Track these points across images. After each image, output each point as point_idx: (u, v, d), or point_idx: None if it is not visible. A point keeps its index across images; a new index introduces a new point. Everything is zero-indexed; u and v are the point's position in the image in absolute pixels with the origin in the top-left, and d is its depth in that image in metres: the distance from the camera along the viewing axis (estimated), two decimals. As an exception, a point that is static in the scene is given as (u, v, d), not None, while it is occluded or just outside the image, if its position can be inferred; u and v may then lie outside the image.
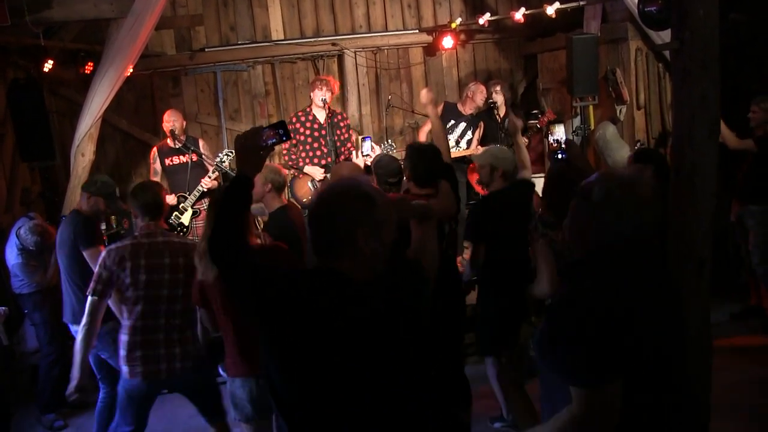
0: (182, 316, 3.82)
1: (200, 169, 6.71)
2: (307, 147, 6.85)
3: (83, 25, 6.87)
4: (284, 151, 6.93)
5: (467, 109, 7.53)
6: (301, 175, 6.86)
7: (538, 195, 4.38)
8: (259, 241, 4.10)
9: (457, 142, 7.46)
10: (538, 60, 8.56)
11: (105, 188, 4.68)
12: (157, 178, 6.68)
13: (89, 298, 3.75)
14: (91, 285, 3.75)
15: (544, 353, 2.09)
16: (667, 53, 6.41)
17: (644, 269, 2.12)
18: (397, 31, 8.61)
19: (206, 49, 8.06)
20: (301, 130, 6.83)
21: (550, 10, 7.09)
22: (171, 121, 6.69)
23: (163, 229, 3.97)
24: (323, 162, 6.83)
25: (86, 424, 5.17)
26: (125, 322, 3.81)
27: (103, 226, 6.66)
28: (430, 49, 8.50)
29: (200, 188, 6.54)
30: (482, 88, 7.53)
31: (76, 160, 6.34)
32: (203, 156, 6.77)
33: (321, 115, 6.85)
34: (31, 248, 5.29)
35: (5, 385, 5.18)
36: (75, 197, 6.03)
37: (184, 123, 6.93)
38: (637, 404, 1.99)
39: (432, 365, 2.08)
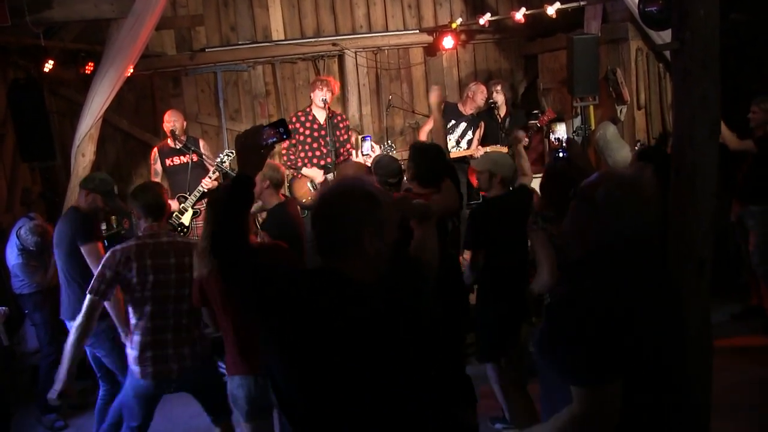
0: (189, 316, 3.83)
1: (201, 170, 6.71)
2: (306, 147, 6.84)
3: (84, 26, 6.87)
4: (284, 151, 6.93)
5: (468, 109, 7.53)
6: (300, 176, 6.86)
7: (538, 194, 4.38)
8: (258, 239, 4.10)
9: (458, 142, 7.46)
10: (539, 60, 8.56)
11: (103, 185, 4.67)
12: (157, 179, 6.68)
13: (89, 297, 3.74)
14: (93, 284, 3.74)
15: (544, 353, 2.09)
16: (667, 53, 6.40)
17: (644, 269, 2.12)
18: (397, 31, 8.61)
19: (207, 50, 8.06)
20: (301, 130, 6.83)
21: (551, 11, 7.09)
22: (171, 121, 6.69)
23: (166, 230, 3.98)
24: (322, 162, 6.82)
25: (86, 425, 5.17)
26: (135, 323, 3.80)
27: (104, 226, 6.66)
28: (431, 50, 8.50)
29: (201, 189, 6.53)
30: (483, 88, 7.54)
31: (77, 160, 6.33)
32: (204, 156, 6.77)
33: (321, 116, 6.85)
34: (31, 248, 5.28)
35: (5, 385, 5.17)
36: (75, 197, 6.03)
37: (185, 123, 6.93)
38: (637, 404, 1.99)
39: (432, 365, 2.08)
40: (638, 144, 6.63)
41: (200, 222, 6.60)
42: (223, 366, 3.75)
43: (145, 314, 3.76)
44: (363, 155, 6.52)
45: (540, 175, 6.66)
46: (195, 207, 6.61)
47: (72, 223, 4.57)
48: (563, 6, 7.10)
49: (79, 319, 3.74)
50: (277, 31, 8.29)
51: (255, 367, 3.45)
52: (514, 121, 7.55)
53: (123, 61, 6.07)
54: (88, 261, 4.45)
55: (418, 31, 8.62)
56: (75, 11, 5.91)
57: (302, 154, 6.85)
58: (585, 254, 2.16)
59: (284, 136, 2.32)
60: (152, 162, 6.86)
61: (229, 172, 6.50)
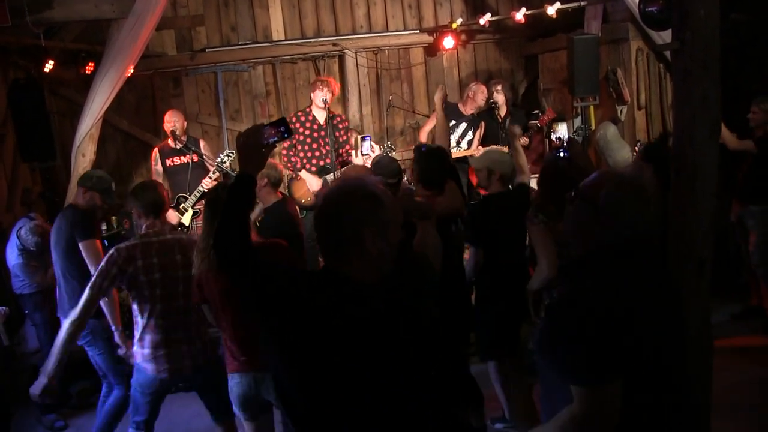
0: (198, 311, 3.83)
1: (201, 170, 6.72)
2: (306, 147, 6.84)
3: (84, 26, 6.88)
4: (284, 152, 6.92)
5: (468, 110, 7.53)
6: (298, 177, 6.85)
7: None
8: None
9: (458, 143, 7.46)
10: (539, 60, 8.56)
11: (101, 183, 4.64)
12: (159, 180, 6.68)
13: (88, 292, 3.69)
14: (94, 279, 3.71)
15: (544, 353, 2.09)
16: (668, 53, 6.40)
17: (644, 269, 2.11)
18: (397, 31, 8.62)
19: (207, 50, 8.07)
20: (301, 130, 6.82)
21: (551, 11, 7.09)
22: (172, 121, 6.70)
23: (169, 227, 3.98)
24: (321, 163, 6.82)
25: (86, 425, 5.17)
26: (144, 321, 3.80)
27: (104, 227, 6.69)
28: (431, 50, 8.50)
29: (201, 189, 6.54)
30: (483, 88, 7.54)
31: (77, 160, 6.34)
32: (204, 156, 6.78)
33: (321, 116, 6.85)
34: (31, 249, 5.28)
35: (5, 385, 5.17)
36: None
37: (185, 123, 6.94)
38: (637, 404, 1.99)
39: (432, 365, 2.08)
40: (638, 144, 6.63)
41: (200, 222, 6.59)
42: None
43: (156, 312, 3.76)
44: (363, 155, 6.52)
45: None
46: (195, 207, 6.61)
47: (70, 220, 4.54)
48: (563, 6, 7.10)
49: (75, 313, 3.68)
50: (278, 32, 8.29)
51: (254, 364, 3.45)
52: (514, 122, 7.55)
53: (123, 62, 6.07)
54: (85, 258, 4.44)
55: (418, 31, 8.62)
56: (75, 11, 5.91)
57: (301, 155, 6.84)
58: (585, 254, 2.16)
59: (285, 135, 2.32)
60: (153, 163, 6.86)
61: (229, 172, 6.51)
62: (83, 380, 5.62)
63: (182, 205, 6.60)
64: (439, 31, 8.33)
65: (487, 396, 4.65)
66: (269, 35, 8.27)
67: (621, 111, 7.28)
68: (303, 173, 6.77)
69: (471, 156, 6.91)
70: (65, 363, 4.88)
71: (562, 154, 3.87)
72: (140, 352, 3.83)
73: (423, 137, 7.43)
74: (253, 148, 2.27)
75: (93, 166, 6.42)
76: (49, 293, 5.31)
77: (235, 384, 3.54)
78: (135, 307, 3.82)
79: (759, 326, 5.90)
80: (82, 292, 3.80)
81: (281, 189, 4.89)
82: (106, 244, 6.46)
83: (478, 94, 7.46)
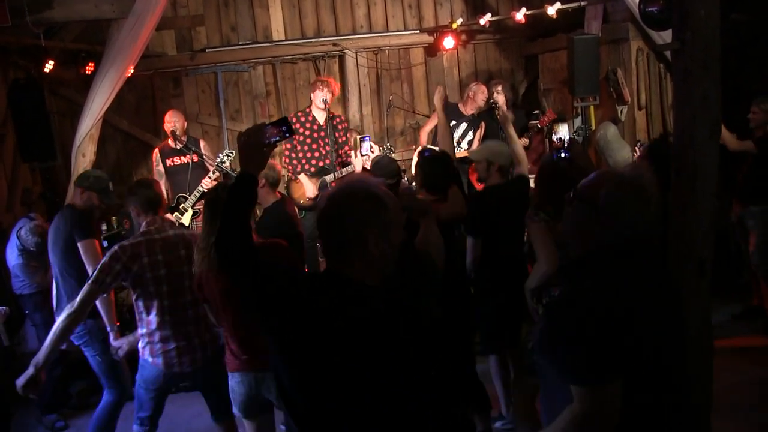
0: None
1: (201, 170, 6.71)
2: (306, 148, 6.84)
3: (84, 26, 6.88)
4: (286, 152, 6.92)
5: (468, 110, 7.52)
6: (297, 178, 6.85)
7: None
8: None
9: (458, 143, 7.45)
10: (539, 60, 8.56)
11: (98, 183, 4.62)
12: (161, 181, 6.67)
13: (89, 286, 3.66)
14: (96, 274, 3.68)
15: (544, 352, 2.09)
16: (668, 53, 6.40)
17: (644, 269, 2.11)
18: (398, 31, 8.61)
19: (207, 50, 8.06)
20: (301, 130, 6.82)
21: (551, 11, 7.09)
22: (172, 121, 6.70)
23: (170, 222, 3.99)
24: (320, 164, 6.82)
25: (87, 425, 5.14)
26: (152, 318, 3.80)
27: (104, 227, 6.68)
28: (431, 50, 8.50)
29: (200, 189, 6.53)
30: (483, 88, 7.53)
31: (77, 160, 6.34)
32: (204, 156, 6.78)
33: (321, 117, 6.84)
34: (31, 249, 5.28)
35: (5, 385, 5.16)
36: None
37: (185, 123, 6.94)
38: (637, 404, 1.99)
39: (432, 365, 2.08)
40: (638, 144, 6.63)
41: (200, 222, 6.59)
42: None
43: (164, 308, 3.78)
44: (362, 156, 6.51)
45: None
46: (195, 207, 6.61)
47: (69, 219, 4.52)
48: (564, 6, 7.10)
49: (72, 306, 3.64)
50: (278, 32, 8.29)
51: (255, 363, 3.46)
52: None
53: (123, 62, 6.07)
54: (84, 258, 4.42)
55: (418, 31, 8.62)
56: (75, 11, 5.91)
57: (300, 155, 6.84)
58: (584, 254, 2.16)
59: (287, 135, 2.32)
60: (154, 164, 6.85)
61: (229, 172, 6.51)
62: (83, 380, 5.63)
63: (182, 205, 6.60)
64: (439, 31, 8.33)
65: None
66: (269, 35, 8.27)
67: (621, 111, 7.28)
68: (302, 177, 6.76)
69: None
70: (65, 361, 4.89)
71: (562, 155, 3.87)
72: (148, 348, 3.83)
73: (423, 137, 7.42)
74: (254, 148, 2.27)
75: (93, 166, 6.41)
76: (49, 294, 5.31)
77: (236, 383, 3.54)
78: (140, 304, 3.81)
79: (759, 326, 5.90)
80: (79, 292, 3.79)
81: (280, 189, 4.89)
82: (106, 244, 6.47)
83: (479, 95, 7.45)
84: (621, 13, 7.15)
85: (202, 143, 7.00)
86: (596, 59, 6.84)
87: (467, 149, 7.43)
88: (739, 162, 5.92)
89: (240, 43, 8.17)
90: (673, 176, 3.01)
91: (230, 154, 6.57)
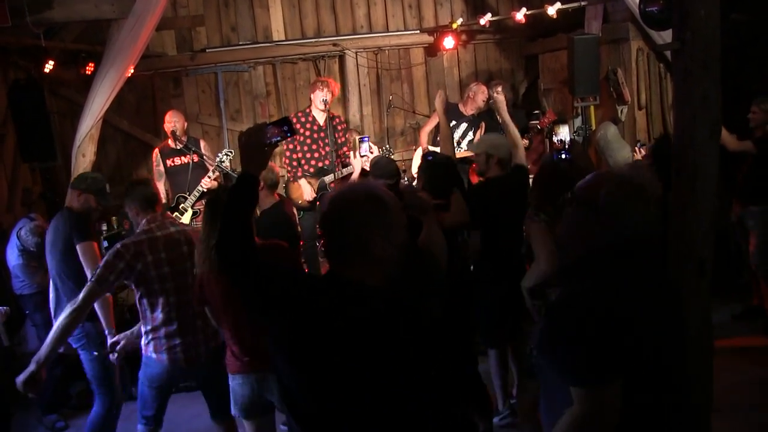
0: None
1: (201, 170, 6.71)
2: (306, 148, 6.83)
3: (84, 26, 6.88)
4: (287, 153, 6.91)
5: (468, 110, 7.52)
6: (296, 181, 6.84)
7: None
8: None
9: (458, 143, 7.45)
10: (540, 60, 8.56)
11: (95, 184, 4.58)
12: (161, 181, 6.69)
13: (92, 284, 3.66)
14: (100, 272, 3.66)
15: (544, 353, 2.09)
16: (668, 53, 6.40)
17: (644, 269, 2.11)
18: (398, 31, 8.62)
19: (207, 50, 8.07)
20: (301, 131, 6.81)
21: (551, 11, 7.09)
22: (172, 121, 6.70)
23: (169, 219, 4.00)
24: (320, 164, 6.81)
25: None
26: (158, 315, 3.80)
27: (104, 227, 6.68)
28: (431, 50, 8.51)
29: (200, 188, 6.54)
30: (483, 88, 7.52)
31: (77, 160, 6.34)
32: (204, 157, 6.78)
33: (320, 117, 6.84)
34: (31, 249, 5.28)
35: (5, 385, 5.16)
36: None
37: (185, 124, 6.94)
38: (637, 404, 1.99)
39: (432, 365, 2.08)
40: (638, 144, 6.63)
41: (200, 222, 6.58)
42: None
43: (170, 304, 3.79)
44: (361, 156, 6.50)
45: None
46: (195, 207, 6.61)
47: (68, 222, 4.48)
48: (564, 6, 7.10)
49: (75, 303, 3.63)
50: (278, 32, 8.29)
51: (256, 365, 3.45)
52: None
53: (123, 62, 6.07)
54: (82, 260, 4.38)
55: (418, 31, 8.62)
56: (75, 12, 5.91)
57: (300, 155, 6.83)
58: (583, 255, 2.16)
59: (288, 134, 2.31)
60: (154, 164, 6.85)
61: (229, 172, 6.51)
62: (83, 381, 5.61)
63: (182, 205, 6.60)
64: (439, 31, 8.33)
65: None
66: (269, 35, 8.28)
67: (621, 111, 7.28)
68: (301, 182, 6.75)
69: (472, 157, 6.92)
70: (65, 362, 4.88)
71: (563, 156, 3.87)
72: (153, 344, 3.83)
73: (423, 137, 7.42)
74: (255, 148, 2.27)
75: (93, 166, 6.42)
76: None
77: (237, 385, 3.54)
78: (144, 302, 3.82)
79: (759, 326, 5.90)
80: (79, 294, 3.78)
81: (278, 189, 4.90)
82: (106, 244, 6.47)
83: (479, 95, 7.44)
84: (621, 13, 7.15)
85: (202, 143, 7.00)
86: (596, 59, 6.85)
87: (467, 149, 7.44)
88: (739, 162, 5.92)
89: (240, 43, 8.17)
90: (673, 176, 3.01)
91: (229, 154, 6.57)
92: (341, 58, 8.44)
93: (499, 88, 7.61)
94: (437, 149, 6.33)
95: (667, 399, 2.07)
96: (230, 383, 3.59)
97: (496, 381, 4.63)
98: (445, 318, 3.55)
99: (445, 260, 3.57)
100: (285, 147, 6.82)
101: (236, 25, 8.19)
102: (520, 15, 7.42)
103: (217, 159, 6.53)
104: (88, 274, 4.22)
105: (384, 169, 4.41)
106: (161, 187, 6.57)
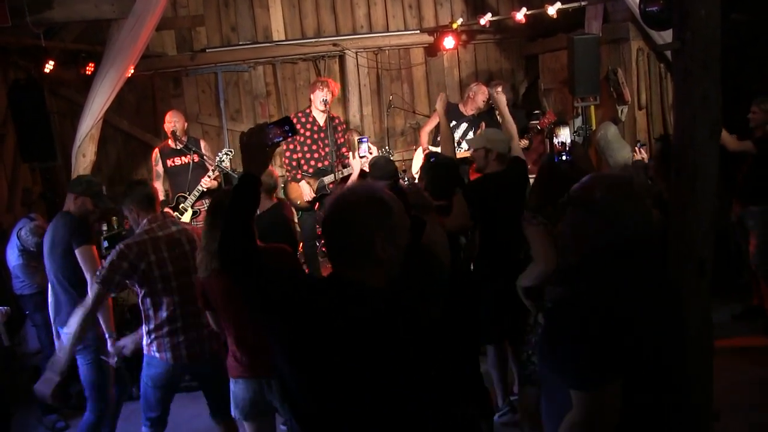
0: None
1: (201, 170, 6.72)
2: (305, 149, 6.83)
3: (84, 26, 6.88)
4: (287, 153, 6.90)
5: (468, 110, 7.51)
6: (295, 181, 6.85)
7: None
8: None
9: (459, 143, 7.45)
10: (540, 60, 8.56)
11: (91, 187, 4.54)
12: (159, 181, 6.70)
13: (99, 286, 3.70)
14: (105, 273, 3.69)
15: (545, 354, 2.09)
16: (668, 53, 6.40)
17: (644, 269, 2.11)
18: (398, 31, 8.63)
19: (207, 50, 8.07)
20: (301, 131, 6.80)
21: (552, 11, 7.10)
22: (172, 121, 6.70)
23: (170, 218, 4.00)
24: (320, 165, 6.81)
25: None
26: (162, 313, 3.81)
27: (104, 227, 6.69)
28: (432, 50, 8.51)
29: (200, 188, 6.54)
30: (484, 89, 7.51)
31: (78, 160, 6.34)
32: (204, 157, 6.78)
33: (320, 118, 6.83)
34: (31, 249, 5.27)
35: (5, 385, 5.17)
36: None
37: (186, 124, 6.94)
38: (637, 404, 1.99)
39: (432, 365, 2.08)
40: (639, 144, 6.64)
41: (200, 222, 6.59)
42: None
43: (174, 303, 3.81)
44: (360, 157, 6.50)
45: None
46: (194, 207, 6.61)
47: (67, 226, 4.43)
48: (564, 6, 7.10)
49: (85, 306, 3.69)
50: (278, 32, 8.30)
51: (258, 371, 3.45)
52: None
53: (123, 62, 6.07)
54: (81, 264, 4.35)
55: (418, 31, 8.62)
56: (75, 12, 5.91)
57: (300, 155, 6.83)
58: (582, 257, 2.16)
59: (289, 134, 2.32)
60: (153, 163, 6.86)
61: (229, 172, 6.51)
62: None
63: (182, 204, 6.60)
64: (439, 31, 8.34)
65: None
66: (269, 35, 8.28)
67: (621, 111, 7.28)
68: (302, 183, 6.75)
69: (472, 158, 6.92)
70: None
71: (564, 158, 3.89)
72: (156, 343, 3.84)
73: (423, 137, 7.42)
74: (257, 148, 2.27)
75: (93, 166, 6.43)
76: (50, 294, 5.30)
77: (239, 389, 3.54)
78: (148, 301, 3.82)
79: (759, 326, 5.90)
80: (78, 298, 3.78)
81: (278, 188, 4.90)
82: (106, 244, 6.48)
83: (479, 95, 7.43)
84: (621, 12, 7.15)
85: (202, 143, 7.00)
86: (596, 59, 6.84)
87: (468, 149, 7.44)
88: (739, 162, 5.92)
89: (240, 43, 8.18)
90: (673, 176, 3.01)
91: (229, 153, 6.57)
92: (341, 58, 8.44)
93: (500, 89, 7.58)
94: (437, 149, 6.33)
95: (667, 399, 2.07)
96: (231, 387, 3.59)
97: (495, 377, 4.63)
98: (446, 318, 3.54)
99: (448, 258, 3.57)
100: (285, 147, 6.81)
101: (236, 25, 8.19)
102: (520, 15, 7.43)
103: (217, 159, 6.53)
104: (88, 278, 4.23)
105: (383, 169, 4.42)
106: (159, 186, 6.58)
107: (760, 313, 5.99)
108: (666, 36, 5.85)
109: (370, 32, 8.56)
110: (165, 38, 7.96)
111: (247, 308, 2.34)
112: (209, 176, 6.56)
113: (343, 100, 8.43)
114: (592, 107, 7.52)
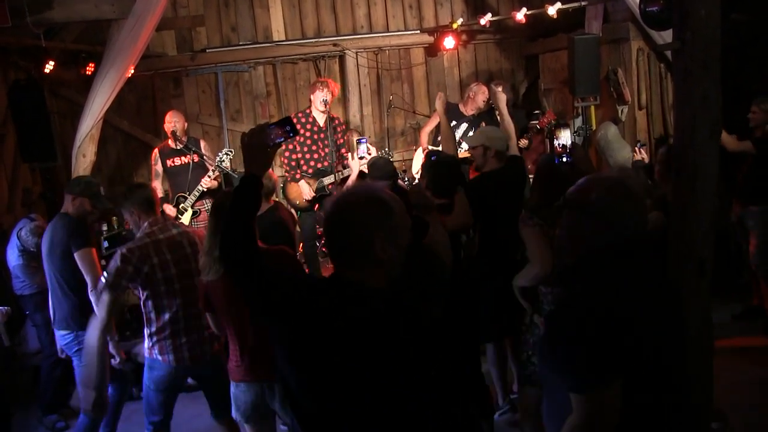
0: None
1: (201, 170, 6.71)
2: (305, 149, 6.82)
3: (84, 26, 6.88)
4: (287, 153, 6.89)
5: (468, 110, 7.51)
6: (295, 181, 6.84)
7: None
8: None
9: (459, 143, 7.45)
10: (540, 60, 8.56)
11: (89, 188, 4.53)
12: (158, 180, 6.70)
13: (107, 293, 3.71)
14: (111, 279, 3.70)
15: (545, 355, 2.09)
16: (668, 53, 6.40)
17: (644, 269, 2.12)
18: (398, 31, 8.63)
19: (207, 50, 8.07)
20: (301, 131, 6.80)
21: (552, 11, 7.10)
22: (172, 122, 6.70)
23: (171, 221, 4.01)
24: (319, 165, 6.81)
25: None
26: (165, 315, 3.82)
27: (104, 227, 6.69)
28: (432, 50, 8.51)
29: (200, 188, 6.54)
30: (484, 89, 7.51)
31: (78, 161, 6.34)
32: (204, 157, 6.78)
33: (320, 118, 6.82)
34: (31, 250, 5.27)
35: (5, 385, 5.17)
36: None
37: (186, 124, 6.94)
38: (637, 404, 1.99)
39: (432, 365, 2.08)
40: (639, 144, 6.64)
41: (200, 222, 6.60)
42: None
43: (177, 305, 3.81)
44: (359, 158, 6.49)
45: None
46: (194, 207, 6.61)
47: (65, 228, 4.41)
48: (564, 6, 7.10)
49: (100, 319, 3.72)
50: (278, 32, 8.30)
51: (259, 374, 3.46)
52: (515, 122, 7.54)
53: (124, 62, 6.07)
54: (81, 266, 4.34)
55: (419, 31, 8.62)
56: (75, 12, 5.91)
57: (299, 156, 6.82)
58: (580, 258, 2.16)
59: (291, 135, 2.32)
60: (153, 163, 6.86)
61: (229, 172, 6.51)
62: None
63: (182, 204, 6.60)
64: (439, 31, 8.34)
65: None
66: (270, 35, 8.28)
67: (622, 111, 7.28)
68: (301, 183, 6.75)
69: (472, 158, 6.92)
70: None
71: (564, 159, 3.89)
72: (158, 346, 3.85)
73: (423, 137, 7.42)
74: (258, 149, 2.27)
75: (93, 166, 6.43)
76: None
77: (240, 392, 3.54)
78: (150, 304, 3.83)
79: (759, 326, 5.90)
80: (79, 303, 3.78)
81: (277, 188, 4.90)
82: (107, 244, 6.48)
83: (479, 95, 7.43)
84: (621, 12, 7.15)
85: (202, 143, 7.00)
86: (597, 59, 6.84)
87: (468, 149, 7.44)
88: (739, 162, 5.92)
89: (240, 43, 8.18)
90: (673, 176, 3.01)
91: (229, 153, 6.57)
92: (341, 59, 8.44)
93: (500, 89, 7.58)
94: (437, 149, 6.33)
95: (667, 399, 2.07)
96: (232, 390, 3.59)
97: (495, 375, 4.64)
98: (447, 317, 3.55)
99: (450, 259, 3.57)
100: (284, 147, 6.80)
101: (236, 25, 8.19)
102: (521, 15, 7.43)
103: (217, 159, 6.54)
104: (88, 281, 4.23)
105: (382, 169, 4.42)
106: (158, 186, 6.58)
107: (760, 313, 5.99)
108: (666, 36, 5.85)
109: (371, 32, 8.56)
110: (165, 38, 7.97)
111: (248, 308, 2.34)
112: (209, 176, 6.56)
113: (343, 100, 8.43)
114: (592, 107, 7.52)
